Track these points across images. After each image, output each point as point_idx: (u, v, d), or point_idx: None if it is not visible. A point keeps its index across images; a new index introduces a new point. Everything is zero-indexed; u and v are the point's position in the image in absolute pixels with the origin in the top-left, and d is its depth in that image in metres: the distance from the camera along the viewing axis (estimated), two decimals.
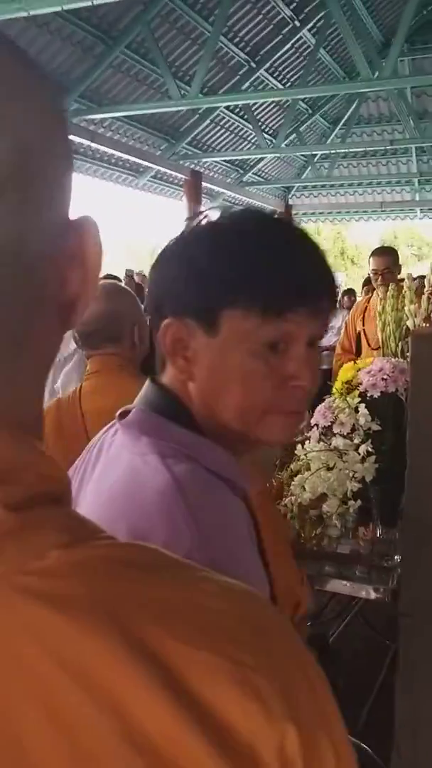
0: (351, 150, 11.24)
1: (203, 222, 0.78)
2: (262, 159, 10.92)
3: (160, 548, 0.40)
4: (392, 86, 7.12)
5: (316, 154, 11.62)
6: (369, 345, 4.10)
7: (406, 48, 8.48)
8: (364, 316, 4.21)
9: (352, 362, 2.04)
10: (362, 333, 4.17)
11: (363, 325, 4.16)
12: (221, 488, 0.73)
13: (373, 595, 1.93)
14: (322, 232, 28.13)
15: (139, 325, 1.79)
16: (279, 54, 8.31)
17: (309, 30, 8.16)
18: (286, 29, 8.03)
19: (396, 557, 2.08)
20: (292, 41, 8.22)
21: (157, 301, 0.78)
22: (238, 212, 0.80)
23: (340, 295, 6.71)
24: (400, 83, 7.55)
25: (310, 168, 11.87)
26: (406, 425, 2.02)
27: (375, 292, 4.19)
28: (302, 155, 11.58)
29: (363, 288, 7.21)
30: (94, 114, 7.21)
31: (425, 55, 9.51)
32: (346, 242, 29.74)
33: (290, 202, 13.13)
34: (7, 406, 0.38)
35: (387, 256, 4.10)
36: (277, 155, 10.71)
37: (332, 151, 11.09)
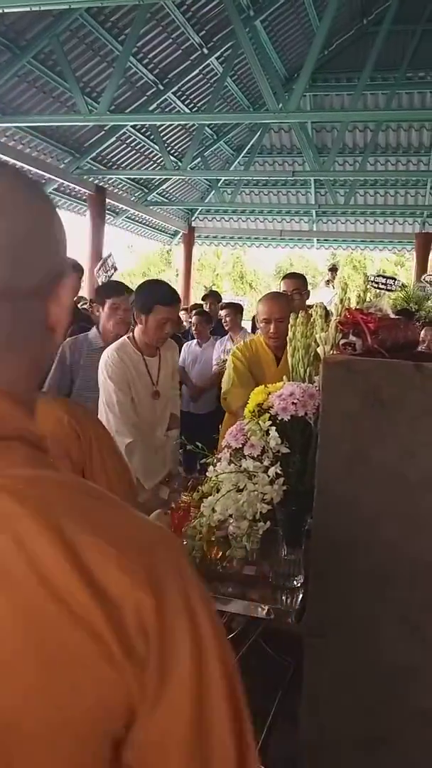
0: (254, 178, 11.57)
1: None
2: (167, 180, 11.02)
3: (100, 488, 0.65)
4: (298, 119, 7.39)
5: (219, 179, 11.84)
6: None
7: (307, 84, 8.87)
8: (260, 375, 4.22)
9: (263, 386, 2.07)
10: None
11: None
12: None
13: (272, 616, 1.96)
14: (221, 255, 28.63)
15: None
16: (187, 78, 8.44)
17: (217, 58, 8.35)
18: (195, 55, 8.18)
19: (299, 578, 2.13)
20: (200, 67, 8.37)
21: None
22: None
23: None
24: (306, 117, 7.86)
25: (213, 192, 12.08)
26: (312, 448, 2.07)
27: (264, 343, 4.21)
28: (206, 179, 11.78)
29: (226, 311, 7.25)
30: None
31: (325, 92, 9.97)
32: (244, 267, 30.38)
33: (193, 224, 13.28)
34: (8, 386, 0.64)
35: (296, 279, 4.29)
36: (182, 177, 10.84)
37: (236, 178, 11.35)
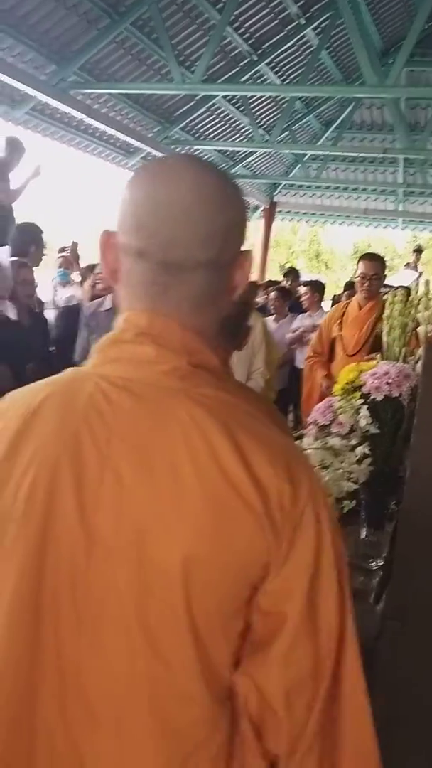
0: (341, 154, 11.30)
1: None
2: (252, 153, 10.89)
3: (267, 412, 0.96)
4: (397, 94, 7.15)
5: (305, 154, 11.63)
6: (345, 351, 4.08)
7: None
8: (341, 321, 4.18)
9: (356, 364, 2.04)
10: (338, 339, 4.14)
11: (340, 330, 4.14)
12: None
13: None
14: (298, 232, 28.23)
15: None
16: (282, 50, 8.28)
17: (313, 29, 8.15)
18: (291, 26, 8.00)
19: (379, 560, 2.10)
20: (296, 38, 8.19)
21: None
22: None
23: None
24: (405, 92, 7.58)
25: (299, 167, 11.88)
26: (403, 430, 2.03)
27: (355, 297, 4.21)
28: (293, 154, 11.58)
29: (345, 292, 7.18)
30: (92, 88, 7.09)
31: (422, 68, 9.60)
32: (321, 245, 29.87)
33: (275, 199, 13.12)
34: (205, 329, 0.87)
35: (377, 262, 4.07)
36: (268, 150, 10.68)
37: (324, 153, 11.11)
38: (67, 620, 0.80)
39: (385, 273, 4.17)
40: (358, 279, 4.10)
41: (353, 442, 2.00)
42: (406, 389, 1.90)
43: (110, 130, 7.90)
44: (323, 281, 7.16)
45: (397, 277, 11.10)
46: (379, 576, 2.05)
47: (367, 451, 1.94)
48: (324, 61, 8.85)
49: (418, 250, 11.43)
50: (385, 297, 2.29)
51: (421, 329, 1.85)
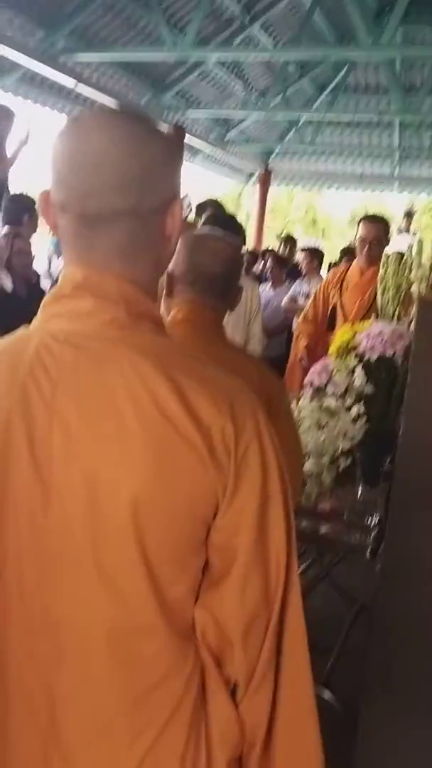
0: (336, 119, 11.14)
1: None
2: (246, 118, 10.74)
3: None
4: (392, 54, 7.03)
5: (299, 119, 11.47)
6: (346, 318, 3.74)
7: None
8: (341, 286, 3.90)
9: (350, 325, 2.05)
10: (338, 305, 3.86)
11: (340, 296, 3.86)
12: None
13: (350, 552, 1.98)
14: (294, 200, 27.91)
15: None
16: (273, 11, 8.12)
17: None
18: None
19: (375, 517, 2.14)
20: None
21: None
22: None
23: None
24: (399, 51, 7.45)
25: (293, 132, 11.72)
26: (397, 389, 2.06)
27: (356, 262, 3.85)
28: (287, 119, 11.42)
29: (342, 257, 7.08)
30: (82, 54, 6.97)
31: (418, 26, 9.41)
32: (317, 213, 29.54)
33: (270, 166, 12.98)
34: (140, 279, 0.88)
35: (379, 224, 3.71)
36: (262, 115, 10.54)
37: (319, 118, 10.96)
38: (29, 565, 0.85)
39: (389, 236, 3.78)
40: (358, 242, 3.80)
41: (348, 402, 2.03)
42: (400, 348, 1.92)
43: (101, 97, 7.79)
44: (321, 248, 7.12)
45: (392, 242, 11.03)
46: (374, 532, 2.10)
47: (362, 410, 1.97)
48: (316, 23, 8.69)
49: (409, 214, 11.34)
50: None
51: (414, 288, 1.86)
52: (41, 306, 0.91)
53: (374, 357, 1.91)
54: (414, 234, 11.53)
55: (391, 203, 26.03)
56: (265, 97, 9.35)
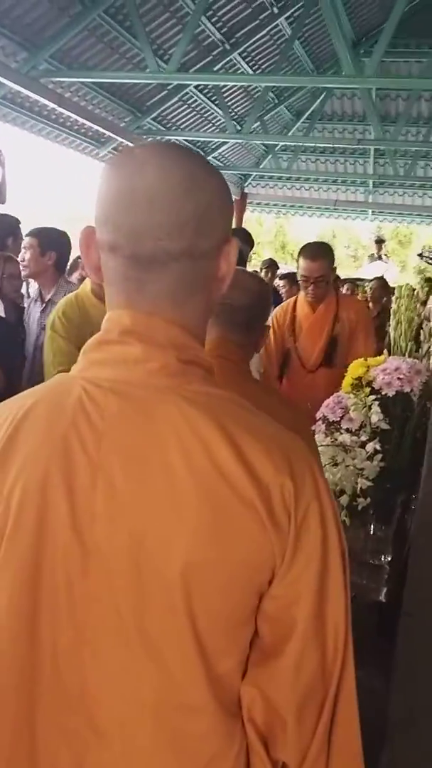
0: (311, 145, 11.29)
1: None
2: (223, 143, 10.82)
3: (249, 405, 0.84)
4: (376, 85, 7.15)
5: (277, 145, 11.60)
6: (304, 366, 3.38)
7: (371, 49, 8.52)
8: (294, 330, 3.43)
9: (363, 359, 2.02)
10: (292, 351, 3.42)
11: (294, 341, 3.41)
12: None
13: (370, 595, 1.93)
14: (264, 223, 28.18)
15: None
16: (254, 39, 8.21)
17: (286, 18, 8.10)
18: (265, 15, 7.94)
19: (387, 556, 2.10)
20: (269, 28, 8.14)
21: None
22: None
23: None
24: (386, 83, 7.57)
25: (270, 158, 11.84)
26: (412, 425, 2.03)
27: (302, 298, 3.41)
28: (263, 145, 11.54)
29: (283, 282, 6.63)
30: (63, 77, 6.94)
31: (393, 59, 9.62)
32: (287, 236, 29.87)
33: (246, 190, 13.08)
34: (190, 324, 0.82)
35: (322, 261, 3.20)
36: (239, 141, 10.63)
37: (296, 144, 11.10)
38: (66, 634, 0.78)
39: (335, 265, 3.35)
40: (301, 280, 3.31)
41: (363, 438, 1.99)
42: (418, 384, 1.89)
43: (81, 120, 7.76)
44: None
45: (367, 269, 11.18)
46: (387, 572, 2.05)
47: (378, 447, 1.93)
48: (296, 52, 8.82)
49: (380, 241, 11.54)
50: (353, 289, 2.24)
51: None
52: (81, 352, 0.84)
53: (391, 393, 1.88)
54: (386, 260, 11.72)
55: (358, 228, 26.47)
56: (242, 123, 9.42)
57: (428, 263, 8.06)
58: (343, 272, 10.01)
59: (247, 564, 0.75)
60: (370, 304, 6.79)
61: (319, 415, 2.05)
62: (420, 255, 8.60)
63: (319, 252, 3.22)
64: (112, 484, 0.76)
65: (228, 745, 0.80)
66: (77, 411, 0.78)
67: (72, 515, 0.76)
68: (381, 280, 7.22)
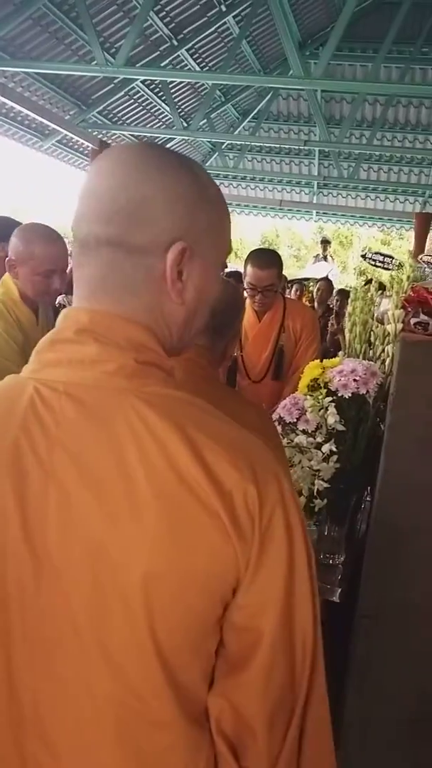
0: (258, 144, 11.35)
1: None
2: (170, 140, 10.77)
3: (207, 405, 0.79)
4: (325, 87, 7.23)
5: (223, 143, 11.61)
6: (249, 376, 3.25)
7: (316, 51, 8.63)
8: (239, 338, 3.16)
9: (318, 361, 2.02)
10: (240, 358, 3.26)
11: (241, 349, 3.24)
12: None
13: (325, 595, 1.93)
14: None
15: None
16: (202, 36, 8.18)
17: (234, 17, 8.10)
18: (213, 12, 7.93)
19: (340, 556, 2.11)
20: (216, 26, 8.12)
21: None
22: None
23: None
24: (334, 85, 7.66)
25: (216, 156, 11.85)
26: (365, 427, 2.04)
27: (249, 305, 3.19)
28: (210, 143, 11.54)
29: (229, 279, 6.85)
30: (7, 66, 6.77)
31: (338, 62, 9.76)
32: (232, 234, 29.95)
33: None
34: (149, 324, 0.78)
35: (271, 270, 3.04)
36: (185, 139, 10.61)
37: (243, 143, 11.13)
38: (20, 650, 0.74)
39: (282, 275, 3.19)
40: (247, 288, 3.10)
41: (318, 439, 1.99)
42: (373, 386, 1.90)
43: (25, 111, 7.58)
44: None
45: (311, 269, 11.31)
46: (341, 572, 2.06)
47: (333, 448, 1.93)
48: (243, 51, 8.83)
49: (326, 241, 11.71)
50: (301, 289, 2.23)
51: (390, 327, 1.85)
52: (34, 351, 0.79)
53: (347, 394, 1.88)
54: (331, 260, 11.87)
55: (301, 228, 26.78)
56: (189, 120, 9.39)
57: (371, 264, 8.23)
58: (286, 272, 10.10)
59: (210, 573, 0.72)
60: (316, 304, 6.87)
61: (275, 416, 2.04)
62: (363, 256, 8.77)
63: (269, 261, 3.07)
64: (66, 492, 0.72)
65: (195, 756, 0.77)
66: (29, 415, 0.74)
67: (23, 525, 0.72)
68: (327, 281, 7.31)
